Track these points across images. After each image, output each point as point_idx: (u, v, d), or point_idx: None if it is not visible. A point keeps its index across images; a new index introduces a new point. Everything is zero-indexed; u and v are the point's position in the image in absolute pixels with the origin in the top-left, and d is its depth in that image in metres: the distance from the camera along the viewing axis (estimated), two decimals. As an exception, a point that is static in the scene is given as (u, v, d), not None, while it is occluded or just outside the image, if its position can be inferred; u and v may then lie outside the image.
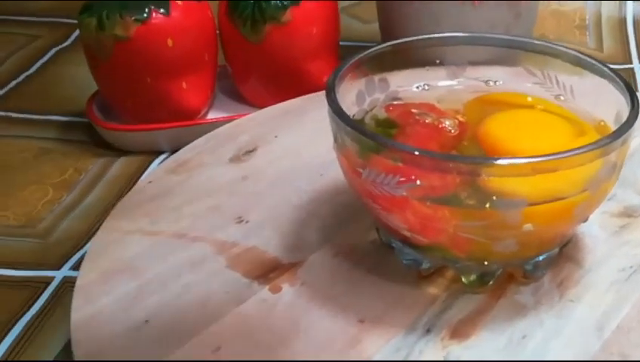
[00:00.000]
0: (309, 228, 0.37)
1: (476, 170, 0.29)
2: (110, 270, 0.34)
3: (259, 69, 0.51)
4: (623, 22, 0.68)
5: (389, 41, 0.37)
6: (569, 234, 0.34)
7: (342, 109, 0.32)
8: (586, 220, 0.33)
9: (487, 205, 0.30)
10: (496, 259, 0.33)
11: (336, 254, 0.35)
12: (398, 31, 0.53)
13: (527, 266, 0.33)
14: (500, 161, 0.29)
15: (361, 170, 0.31)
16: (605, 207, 0.38)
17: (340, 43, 0.54)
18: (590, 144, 0.29)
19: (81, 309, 0.32)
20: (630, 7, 0.71)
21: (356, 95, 0.36)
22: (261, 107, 0.49)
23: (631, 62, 0.62)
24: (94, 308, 0.32)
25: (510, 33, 0.51)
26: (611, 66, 0.35)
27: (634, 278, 0.34)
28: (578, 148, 0.29)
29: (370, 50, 0.36)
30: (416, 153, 0.30)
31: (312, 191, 0.40)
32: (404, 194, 0.30)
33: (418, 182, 0.30)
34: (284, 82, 0.51)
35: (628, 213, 0.38)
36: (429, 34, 0.38)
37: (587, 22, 0.69)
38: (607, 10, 0.71)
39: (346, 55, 0.36)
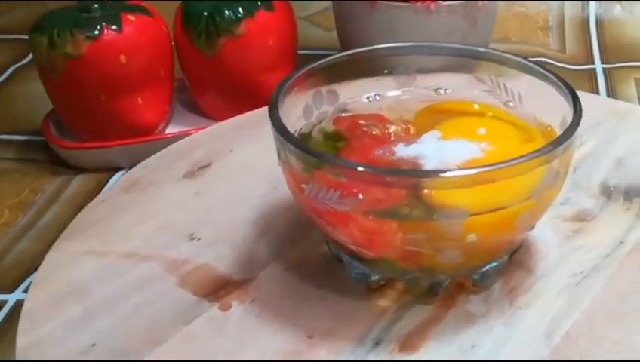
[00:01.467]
0: (260, 243, 0.37)
1: (416, 184, 0.29)
2: (58, 293, 0.34)
3: (215, 82, 0.51)
4: (585, 23, 0.69)
5: (347, 50, 0.37)
6: (516, 242, 0.34)
7: (284, 126, 0.31)
8: (532, 228, 0.33)
9: (429, 217, 0.30)
10: (444, 270, 0.32)
11: (286, 269, 0.35)
12: (355, 40, 0.53)
13: (475, 276, 0.33)
14: (440, 174, 0.29)
15: (304, 186, 0.31)
16: (558, 211, 0.38)
17: (301, 52, 0.54)
18: (530, 153, 0.29)
19: (27, 334, 0.32)
20: (593, 9, 0.71)
21: (303, 108, 0.36)
22: (220, 120, 0.49)
23: (593, 63, 0.62)
24: (40, 332, 0.32)
25: (466, 41, 0.51)
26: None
27: (584, 283, 0.34)
28: (518, 158, 0.29)
29: (317, 63, 0.36)
30: (359, 169, 0.30)
31: (265, 205, 0.39)
32: (347, 209, 0.30)
33: (360, 197, 0.30)
34: (242, 95, 0.51)
35: (581, 218, 0.38)
36: (385, 43, 0.38)
37: (550, 23, 0.69)
38: (570, 11, 0.71)
39: (305, 64, 0.35)
